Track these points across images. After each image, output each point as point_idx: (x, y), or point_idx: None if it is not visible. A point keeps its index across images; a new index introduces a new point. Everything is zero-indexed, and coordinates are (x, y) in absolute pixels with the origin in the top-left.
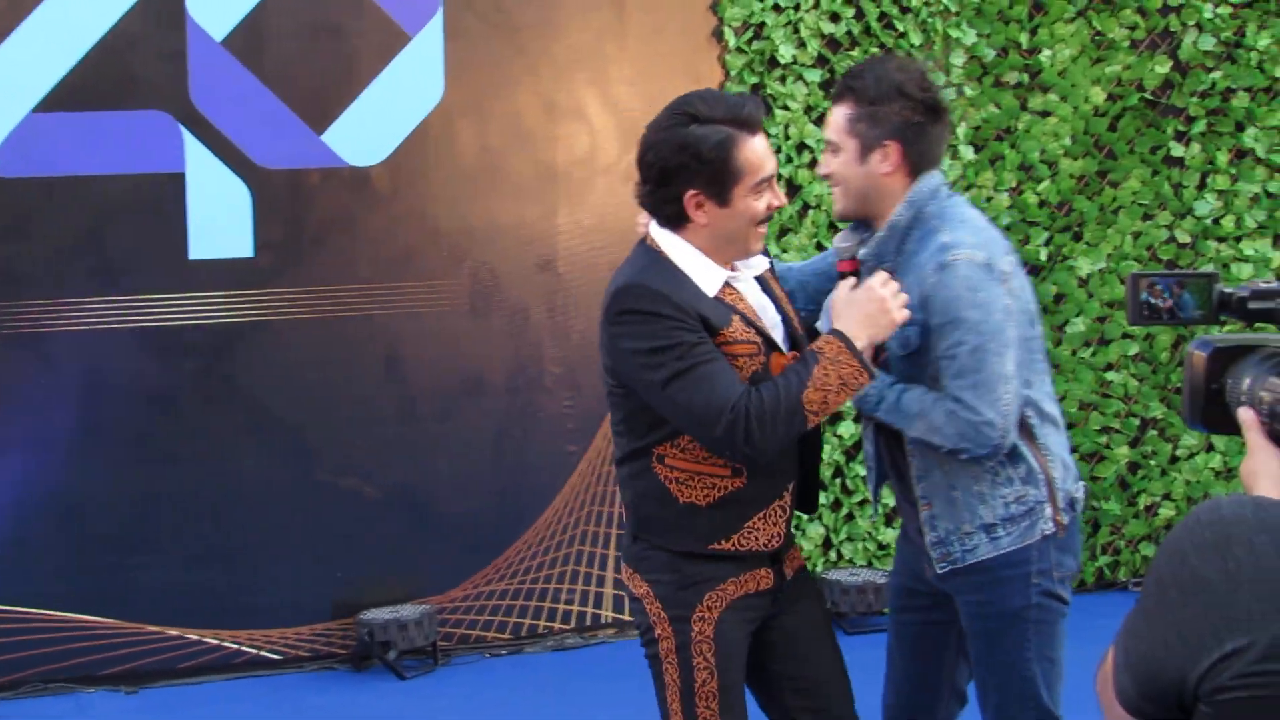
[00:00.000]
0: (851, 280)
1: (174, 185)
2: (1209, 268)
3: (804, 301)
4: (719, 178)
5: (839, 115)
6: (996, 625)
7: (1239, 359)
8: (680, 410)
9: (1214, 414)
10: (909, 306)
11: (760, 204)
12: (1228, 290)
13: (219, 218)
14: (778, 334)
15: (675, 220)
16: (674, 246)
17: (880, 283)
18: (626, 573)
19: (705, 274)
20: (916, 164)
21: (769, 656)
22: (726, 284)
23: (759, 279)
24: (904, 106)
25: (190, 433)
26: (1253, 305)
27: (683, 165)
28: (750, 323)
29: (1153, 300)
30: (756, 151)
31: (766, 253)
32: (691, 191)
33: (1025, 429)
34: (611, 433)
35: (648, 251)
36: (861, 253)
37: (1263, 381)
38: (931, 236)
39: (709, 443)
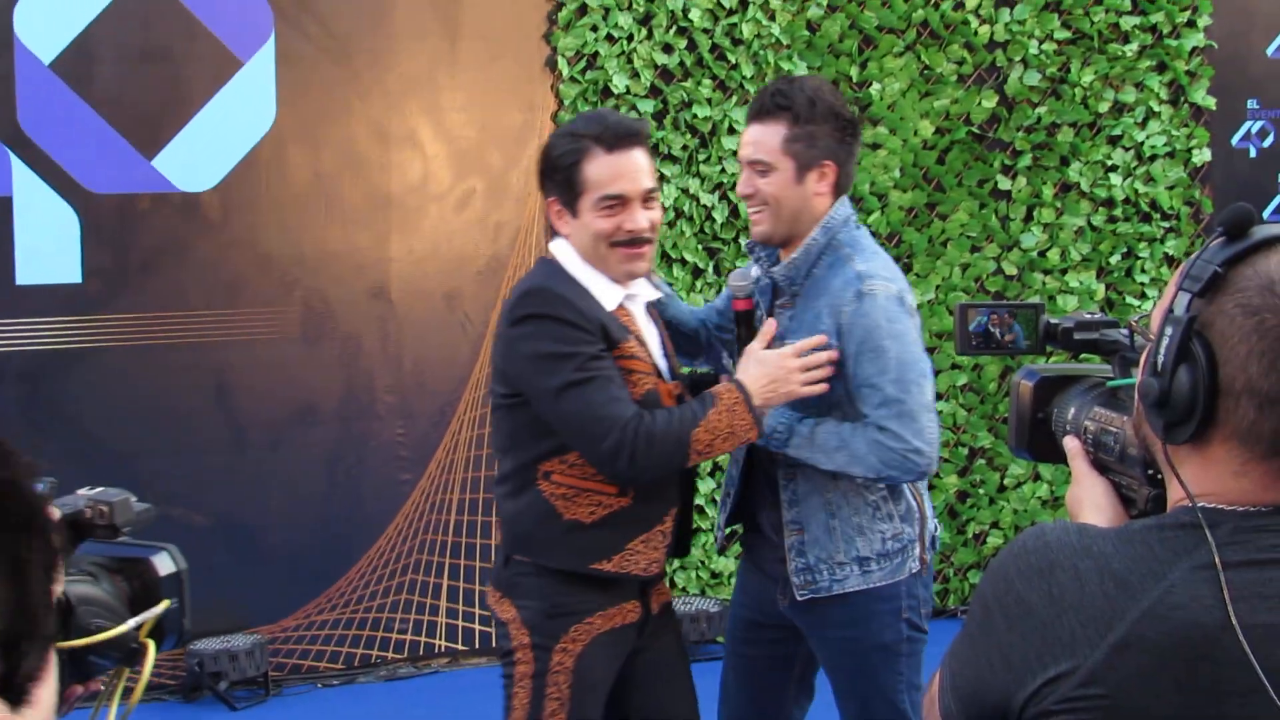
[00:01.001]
0: (768, 335)
1: (0, 210)
2: (1035, 299)
3: (705, 339)
4: (568, 188)
5: (771, 135)
6: (868, 660)
7: (1064, 389)
8: (571, 419)
9: (1039, 442)
10: (819, 330)
11: (606, 223)
12: (1053, 321)
13: (47, 243)
14: (662, 364)
15: (552, 229)
16: (569, 259)
17: (794, 351)
18: (494, 597)
19: (602, 289)
20: (843, 185)
21: (627, 689)
22: (620, 305)
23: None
24: (835, 127)
25: None
26: (1078, 336)
27: (543, 173)
28: (643, 344)
29: (992, 329)
30: (604, 168)
31: (670, 286)
32: (551, 199)
33: None
34: (494, 451)
35: (548, 263)
36: (776, 271)
37: (1087, 411)
38: (843, 264)
39: (593, 455)
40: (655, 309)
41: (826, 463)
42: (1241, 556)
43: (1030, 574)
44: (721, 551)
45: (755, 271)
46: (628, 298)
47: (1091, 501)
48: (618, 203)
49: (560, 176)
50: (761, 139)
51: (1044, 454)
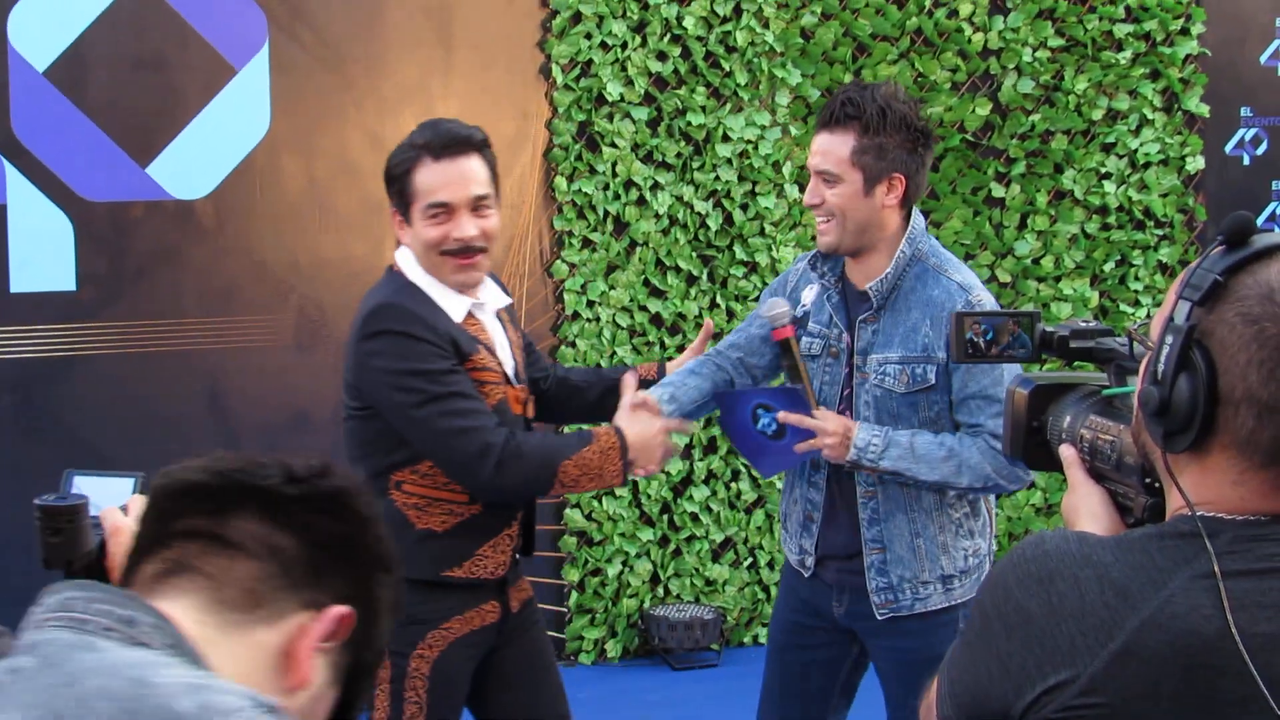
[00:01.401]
0: (643, 399)
1: None
2: (1029, 307)
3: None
4: (401, 196)
5: (840, 145)
6: (921, 672)
7: (1059, 397)
8: (434, 433)
9: (1034, 451)
10: (918, 342)
11: (434, 231)
12: (1049, 329)
13: (40, 250)
14: (510, 370)
15: (397, 239)
16: (412, 270)
17: (664, 429)
18: None
19: (449, 300)
20: (912, 197)
21: (491, 687)
22: (470, 314)
23: (498, 318)
24: (906, 138)
25: (8, 467)
26: (1074, 344)
27: (385, 182)
28: (492, 353)
29: (975, 338)
30: (432, 176)
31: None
32: (392, 208)
33: None
34: (345, 461)
35: (396, 276)
36: (870, 286)
37: (1083, 419)
38: (935, 275)
39: (456, 464)
40: (509, 318)
41: (929, 474)
42: (1241, 566)
43: (1029, 583)
44: (715, 559)
45: (785, 304)
46: (476, 305)
47: (1088, 510)
48: (443, 211)
49: (395, 186)
50: (830, 149)
51: (1038, 462)
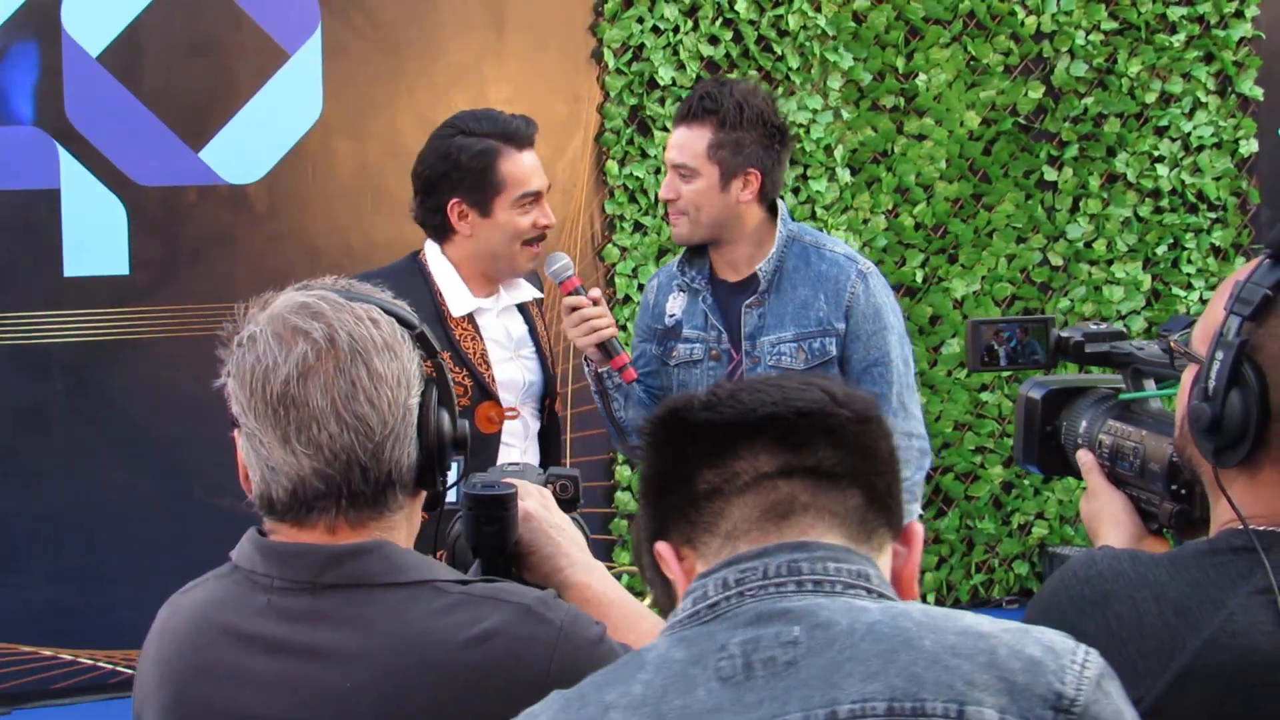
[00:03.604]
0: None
1: (49, 202)
2: (1079, 288)
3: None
4: (480, 187)
5: (696, 139)
6: None
7: (1073, 400)
8: None
9: (1048, 455)
10: (811, 318)
11: (525, 220)
12: (1064, 334)
13: (94, 235)
14: (509, 371)
15: (441, 232)
16: (436, 261)
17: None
18: None
19: (455, 296)
20: (769, 192)
21: None
22: (469, 316)
23: (523, 309)
24: (764, 134)
25: (63, 451)
26: (1089, 349)
27: (445, 174)
28: (465, 363)
29: (995, 346)
30: (521, 166)
31: (540, 287)
32: (454, 200)
33: None
34: None
35: (410, 260)
36: (761, 267)
37: (1101, 424)
38: (814, 251)
39: None
40: (539, 310)
41: None
42: None
43: (1085, 605)
44: None
45: (563, 255)
46: (480, 309)
47: (1110, 516)
48: (532, 199)
49: (474, 177)
50: (686, 143)
51: (1053, 467)
